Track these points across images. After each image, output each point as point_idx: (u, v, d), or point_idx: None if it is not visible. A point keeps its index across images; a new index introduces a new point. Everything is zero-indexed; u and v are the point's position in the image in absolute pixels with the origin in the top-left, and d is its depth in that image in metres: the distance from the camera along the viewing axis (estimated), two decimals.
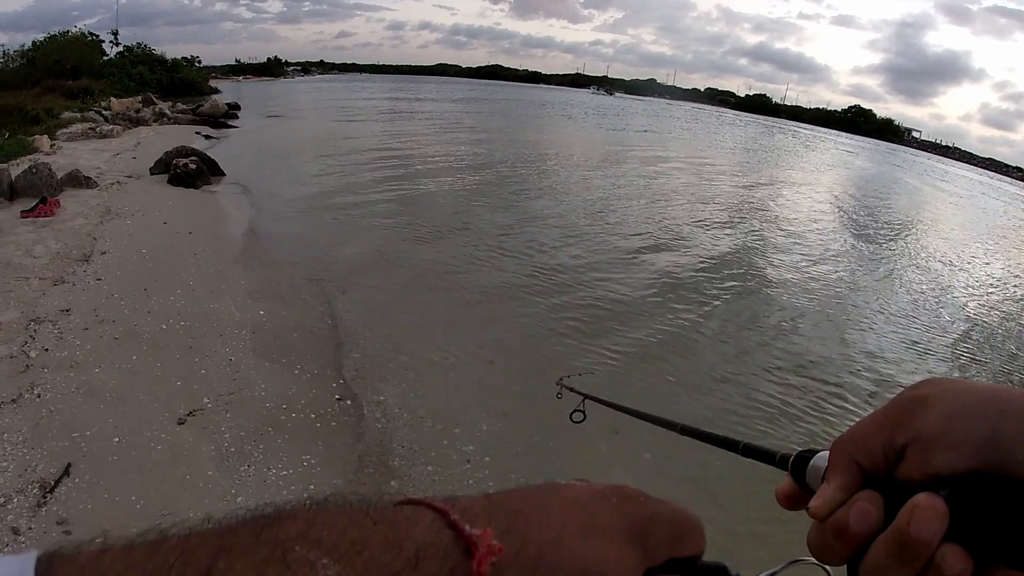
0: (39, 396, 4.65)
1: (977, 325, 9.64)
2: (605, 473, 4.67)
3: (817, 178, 28.26)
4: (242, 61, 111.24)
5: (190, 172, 12.63)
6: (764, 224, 14.72)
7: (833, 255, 12.59)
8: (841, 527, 0.42)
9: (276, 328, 6.41)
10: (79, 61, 32.88)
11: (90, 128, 18.75)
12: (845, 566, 0.44)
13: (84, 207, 9.92)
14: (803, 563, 0.52)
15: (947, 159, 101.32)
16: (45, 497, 3.62)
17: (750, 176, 24.17)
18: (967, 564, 0.38)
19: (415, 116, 38.12)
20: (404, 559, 0.32)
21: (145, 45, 44.68)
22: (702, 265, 10.41)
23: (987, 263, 15.22)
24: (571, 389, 2.16)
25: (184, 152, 13.65)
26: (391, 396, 5.36)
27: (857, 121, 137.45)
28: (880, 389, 6.64)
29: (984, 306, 10.85)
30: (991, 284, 12.77)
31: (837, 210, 19.13)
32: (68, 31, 37.92)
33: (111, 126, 19.97)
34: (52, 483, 3.73)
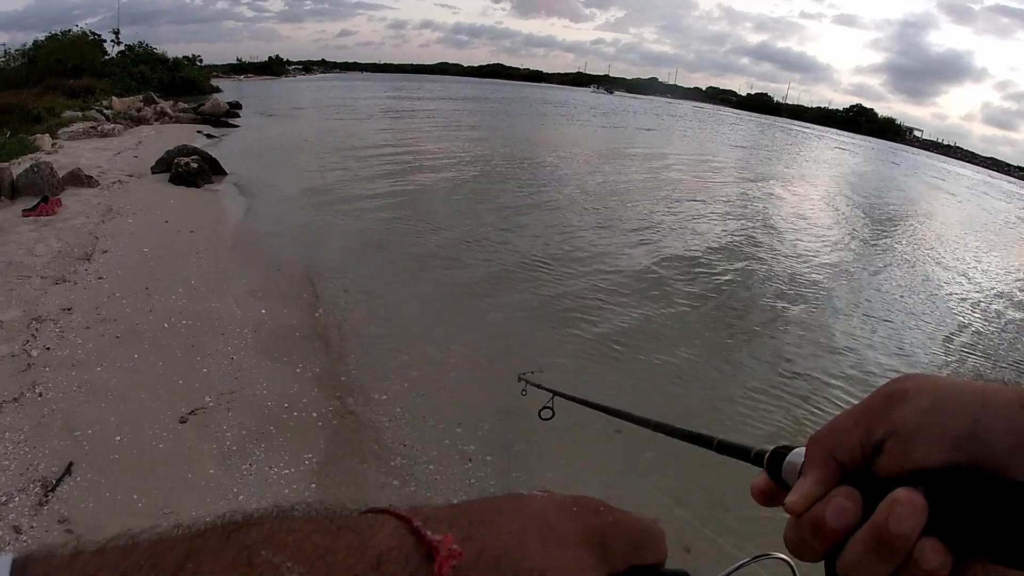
0: (41, 395, 4.65)
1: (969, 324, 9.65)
2: (610, 473, 4.67)
3: (814, 174, 28.28)
4: (243, 60, 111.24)
5: (191, 171, 12.63)
6: (755, 220, 14.71)
7: (827, 250, 12.60)
8: (818, 522, 0.42)
9: (278, 327, 6.41)
10: (80, 60, 32.88)
11: (91, 127, 18.75)
12: (822, 563, 0.44)
13: (85, 206, 9.92)
14: (771, 559, 0.52)
15: (949, 158, 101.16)
16: (47, 496, 3.61)
17: (742, 173, 24.14)
18: (946, 559, 0.37)
19: (416, 115, 38.09)
20: (366, 562, 0.34)
21: (146, 44, 44.73)
22: (694, 258, 10.41)
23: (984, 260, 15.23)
24: (537, 386, 2.14)
25: (185, 151, 13.64)
26: (392, 395, 5.35)
27: (859, 120, 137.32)
28: (859, 388, 6.62)
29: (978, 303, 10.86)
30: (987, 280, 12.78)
31: (832, 208, 19.11)
32: (69, 30, 37.98)
33: (112, 125, 19.96)
34: (54, 482, 3.73)
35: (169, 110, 26.49)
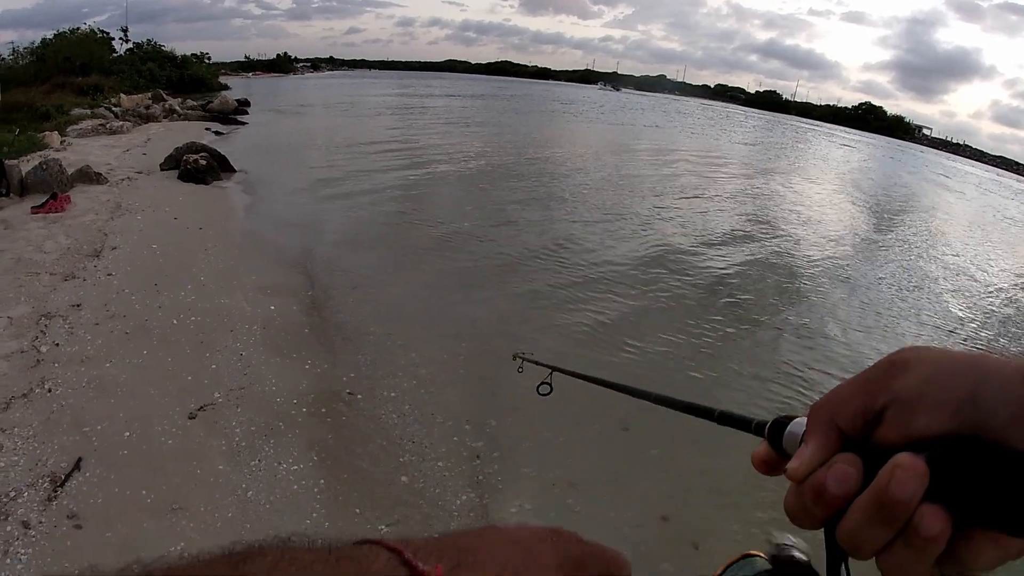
0: (50, 391, 4.65)
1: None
2: (617, 470, 4.65)
3: (819, 170, 28.17)
4: (252, 57, 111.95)
5: (200, 168, 12.67)
6: (754, 216, 14.67)
7: (828, 244, 12.56)
8: (819, 489, 0.42)
9: (287, 323, 6.41)
10: (89, 58, 32.97)
11: (100, 124, 18.83)
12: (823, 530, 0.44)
13: (94, 203, 9.95)
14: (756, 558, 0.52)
15: (958, 157, 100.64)
16: (56, 491, 3.61)
17: (746, 169, 24.05)
18: (945, 525, 0.37)
19: (425, 112, 38.08)
20: None
21: (155, 42, 44.77)
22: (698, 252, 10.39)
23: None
24: (535, 362, 2.13)
25: (194, 148, 13.68)
26: (401, 392, 5.34)
27: (867, 118, 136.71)
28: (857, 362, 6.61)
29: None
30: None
31: (836, 204, 19.05)
32: (78, 28, 38.03)
33: (121, 122, 20.04)
34: (63, 477, 3.73)
35: (178, 107, 26.55)
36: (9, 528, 3.30)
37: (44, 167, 10.23)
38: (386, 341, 6.27)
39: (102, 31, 40.72)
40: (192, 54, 48.93)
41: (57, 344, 5.34)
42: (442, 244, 9.94)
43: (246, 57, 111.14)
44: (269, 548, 0.35)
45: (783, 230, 13.64)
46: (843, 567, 0.44)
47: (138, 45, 43.62)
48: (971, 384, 0.39)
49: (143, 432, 4.30)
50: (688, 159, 24.91)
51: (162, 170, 13.20)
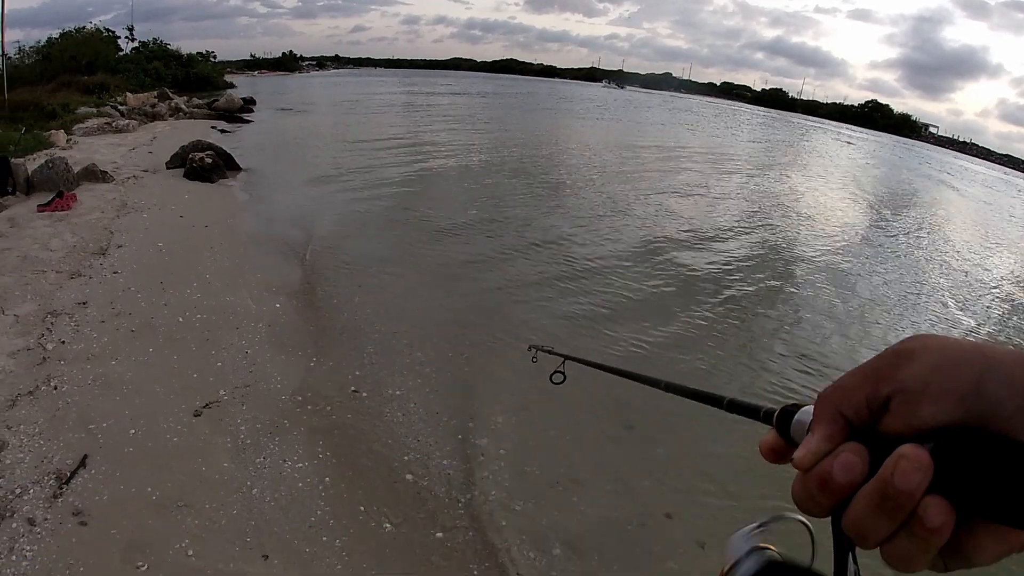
0: (56, 388, 4.66)
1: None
2: (622, 468, 4.65)
3: (823, 168, 28.10)
4: (257, 56, 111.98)
5: (206, 166, 12.69)
6: (752, 211, 14.64)
7: (829, 241, 12.52)
8: (825, 477, 0.42)
9: (292, 321, 6.42)
10: (94, 57, 33.07)
11: (106, 123, 18.87)
12: (829, 519, 0.44)
13: (100, 201, 9.97)
14: (787, 519, 0.52)
15: (965, 155, 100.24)
16: (61, 488, 3.62)
17: (745, 167, 24.00)
18: (949, 517, 0.37)
19: (431, 110, 38.06)
20: None
21: (160, 40, 44.86)
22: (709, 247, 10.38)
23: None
24: (549, 351, 2.17)
25: (200, 146, 13.70)
26: (407, 390, 5.34)
27: (874, 116, 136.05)
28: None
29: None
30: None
31: (839, 202, 18.99)
32: (83, 27, 38.20)
33: (127, 121, 20.08)
34: (68, 474, 3.74)
35: (183, 106, 26.61)
36: (15, 525, 3.31)
37: (50, 165, 10.25)
38: (391, 339, 6.27)
39: (108, 30, 40.93)
40: (198, 53, 49.12)
41: (63, 342, 5.35)
42: (447, 241, 9.94)
43: (252, 55, 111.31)
44: None
45: (783, 223, 13.62)
46: (850, 556, 0.44)
47: (144, 44, 43.73)
48: (976, 374, 0.39)
49: (148, 429, 4.30)
50: (693, 156, 24.86)
51: (168, 168, 13.23)
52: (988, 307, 10.23)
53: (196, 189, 11.83)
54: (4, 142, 12.75)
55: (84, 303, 6.15)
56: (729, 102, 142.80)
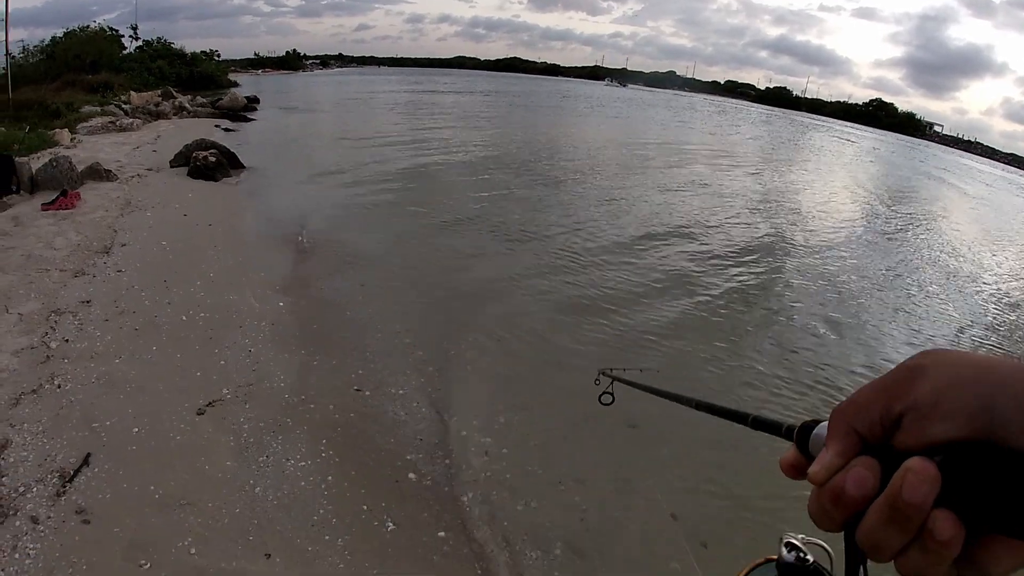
0: (59, 386, 4.67)
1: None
2: (627, 468, 4.64)
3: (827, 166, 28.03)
4: (261, 54, 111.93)
5: (209, 165, 12.71)
6: (749, 210, 14.62)
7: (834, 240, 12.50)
8: (838, 492, 0.43)
9: (295, 319, 6.42)
10: (99, 55, 33.05)
11: (110, 122, 18.89)
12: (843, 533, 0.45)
13: (104, 200, 9.99)
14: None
15: (969, 154, 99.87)
16: (64, 486, 3.63)
17: (744, 165, 23.96)
18: (958, 531, 0.38)
19: (434, 108, 38.03)
20: None
21: (164, 39, 44.76)
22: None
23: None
24: (613, 378, 2.22)
25: (203, 145, 13.71)
26: (410, 389, 5.34)
27: (878, 115, 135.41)
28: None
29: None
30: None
31: (842, 201, 18.96)
32: (88, 26, 38.12)
33: (131, 120, 20.10)
34: (71, 472, 3.74)
35: (187, 104, 26.64)
36: (18, 523, 3.32)
37: (54, 164, 10.27)
38: (394, 338, 6.28)
39: (112, 29, 40.82)
40: (202, 51, 48.99)
41: (67, 340, 5.36)
42: (450, 239, 9.95)
43: (256, 54, 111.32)
44: None
45: (783, 219, 13.60)
46: (861, 569, 0.45)
47: (148, 43, 43.69)
48: (986, 391, 0.40)
49: (152, 428, 4.31)
50: (697, 155, 24.82)
51: (172, 167, 13.25)
52: (986, 304, 10.20)
53: (200, 187, 11.85)
54: (8, 141, 12.77)
55: (88, 301, 6.17)
56: (734, 100, 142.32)
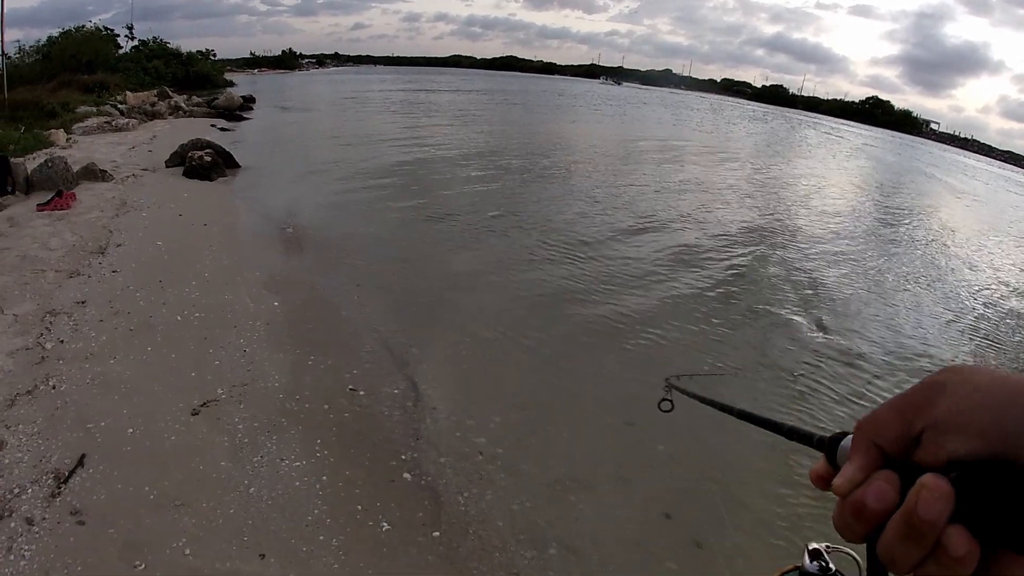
0: (54, 387, 4.67)
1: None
2: (624, 465, 4.65)
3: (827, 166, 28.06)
4: (257, 54, 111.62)
5: (205, 164, 12.71)
6: (745, 208, 14.63)
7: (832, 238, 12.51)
8: (859, 505, 0.44)
9: (290, 320, 6.42)
10: (94, 55, 32.97)
11: (106, 122, 18.85)
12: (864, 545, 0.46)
13: (100, 200, 9.98)
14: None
15: (965, 151, 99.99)
16: (59, 487, 3.63)
17: (738, 163, 23.99)
18: (973, 547, 0.38)
19: (431, 107, 38.00)
20: None
21: (160, 39, 44.60)
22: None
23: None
24: (676, 388, 2.25)
25: (199, 145, 13.71)
26: (404, 389, 5.35)
27: (875, 112, 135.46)
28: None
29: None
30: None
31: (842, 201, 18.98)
32: (83, 26, 38.04)
33: (127, 120, 20.08)
34: (66, 473, 3.74)
35: (183, 104, 26.63)
36: (13, 525, 3.32)
37: (49, 164, 10.26)
38: (389, 338, 6.28)
39: (107, 29, 40.74)
40: (197, 51, 48.80)
41: (62, 341, 5.36)
42: (446, 239, 9.96)
43: (251, 53, 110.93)
44: None
45: (782, 219, 13.62)
46: None
47: (143, 42, 43.52)
48: (1002, 408, 0.40)
49: (146, 428, 4.31)
50: (691, 154, 24.84)
51: (167, 167, 13.24)
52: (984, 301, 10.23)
53: (195, 187, 11.84)
54: (4, 141, 12.73)
55: (83, 302, 6.16)
56: (730, 98, 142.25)
